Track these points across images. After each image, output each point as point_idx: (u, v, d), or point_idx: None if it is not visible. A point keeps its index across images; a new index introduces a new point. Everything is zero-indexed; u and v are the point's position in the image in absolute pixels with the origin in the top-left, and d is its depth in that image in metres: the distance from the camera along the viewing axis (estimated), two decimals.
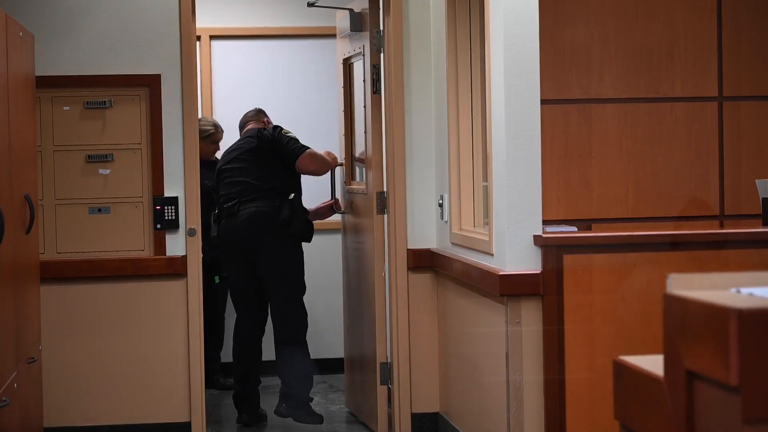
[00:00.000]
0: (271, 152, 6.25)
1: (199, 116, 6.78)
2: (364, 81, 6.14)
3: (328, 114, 7.60)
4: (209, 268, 6.90)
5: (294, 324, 6.16)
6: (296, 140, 6.27)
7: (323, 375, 7.50)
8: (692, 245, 4.47)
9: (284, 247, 6.16)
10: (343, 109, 6.58)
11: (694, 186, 5.41)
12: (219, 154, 6.98)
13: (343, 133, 6.57)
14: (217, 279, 6.60)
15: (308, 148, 6.25)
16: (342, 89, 6.59)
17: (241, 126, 6.62)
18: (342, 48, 6.57)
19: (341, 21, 6.42)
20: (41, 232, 5.74)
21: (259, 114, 6.68)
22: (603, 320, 4.42)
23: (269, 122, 6.62)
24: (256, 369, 6.33)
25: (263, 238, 6.14)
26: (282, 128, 6.34)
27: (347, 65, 6.53)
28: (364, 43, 6.09)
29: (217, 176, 6.47)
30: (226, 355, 7.25)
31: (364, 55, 6.11)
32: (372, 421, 6.07)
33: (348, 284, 6.54)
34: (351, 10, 6.20)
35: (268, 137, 6.27)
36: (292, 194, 6.26)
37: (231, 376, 7.41)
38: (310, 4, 6.45)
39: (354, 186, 6.39)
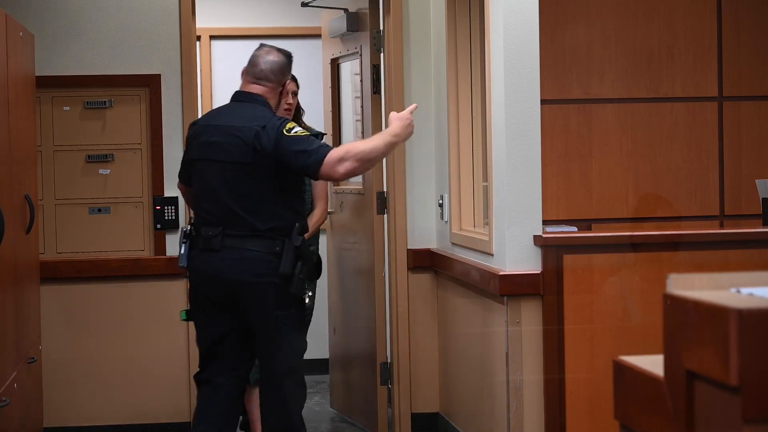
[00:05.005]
0: (271, 165, 4.40)
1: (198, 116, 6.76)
2: (361, 81, 6.13)
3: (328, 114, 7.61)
4: None
5: (292, 403, 4.57)
6: (310, 139, 4.41)
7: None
8: (692, 245, 4.48)
9: (283, 307, 4.43)
10: (331, 109, 6.55)
11: (695, 186, 5.41)
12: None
13: (330, 133, 6.54)
14: (183, 315, 4.63)
15: (327, 146, 4.41)
16: (330, 89, 6.55)
17: (251, 75, 4.59)
18: (329, 48, 6.54)
19: (333, 21, 6.39)
20: (41, 232, 5.74)
21: (278, 74, 4.58)
22: (603, 320, 4.42)
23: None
24: None
25: (255, 295, 4.41)
26: (290, 121, 4.46)
27: (335, 65, 6.51)
28: (362, 43, 6.09)
29: (189, 145, 4.65)
30: None
31: (362, 55, 6.10)
32: (370, 422, 6.07)
33: (340, 284, 6.51)
34: (346, 10, 6.18)
35: (267, 144, 4.38)
36: (298, 231, 4.45)
37: None
38: (304, 4, 6.43)
39: (343, 186, 6.35)
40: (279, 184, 4.43)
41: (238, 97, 4.59)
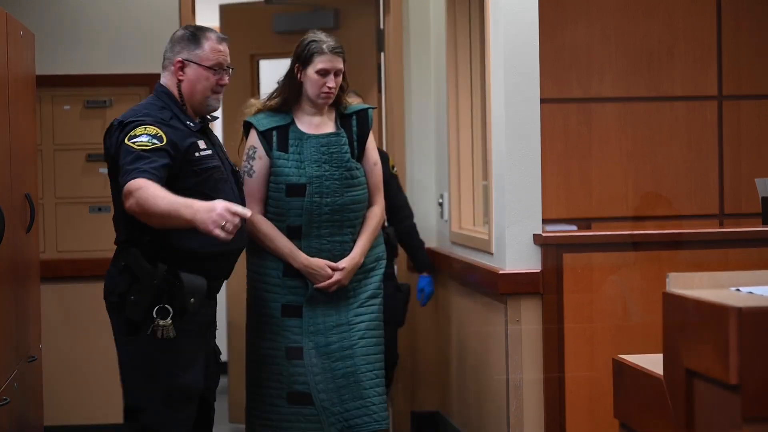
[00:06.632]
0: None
1: None
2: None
3: None
4: None
5: None
6: (139, 156, 3.54)
7: None
8: (692, 244, 4.48)
9: (120, 332, 3.81)
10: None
11: (694, 185, 5.41)
12: None
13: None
14: None
15: (141, 173, 3.51)
16: (250, 87, 6.38)
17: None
18: (248, 44, 6.32)
19: (287, 18, 6.23)
20: (41, 231, 5.75)
21: (168, 52, 3.80)
22: (603, 319, 4.42)
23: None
24: None
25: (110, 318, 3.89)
26: (144, 126, 3.62)
27: (254, 62, 6.43)
28: (348, 41, 6.04)
29: None
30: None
31: (344, 53, 6.06)
32: None
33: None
34: (315, 6, 6.13)
35: (112, 145, 3.68)
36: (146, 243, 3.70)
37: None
38: (267, 2, 6.37)
39: None
40: None
41: None
